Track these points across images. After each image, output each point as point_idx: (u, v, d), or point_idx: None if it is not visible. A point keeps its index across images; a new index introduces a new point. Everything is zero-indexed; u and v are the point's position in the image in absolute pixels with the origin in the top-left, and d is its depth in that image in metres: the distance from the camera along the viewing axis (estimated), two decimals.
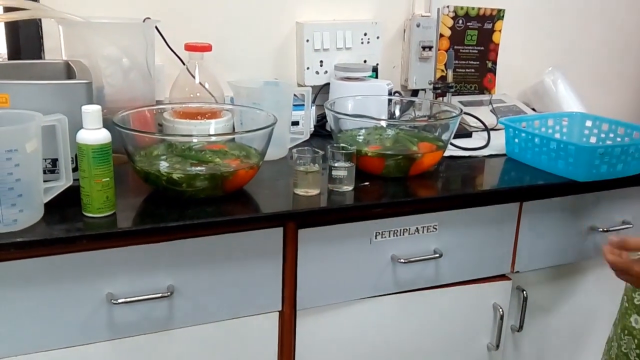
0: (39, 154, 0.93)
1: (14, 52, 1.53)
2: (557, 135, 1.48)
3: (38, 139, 0.92)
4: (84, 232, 0.94)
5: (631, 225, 1.42)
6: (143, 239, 0.99)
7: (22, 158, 0.89)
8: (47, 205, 0.98)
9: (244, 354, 1.14)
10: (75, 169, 1.00)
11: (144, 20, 1.40)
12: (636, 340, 1.03)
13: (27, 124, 0.90)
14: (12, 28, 1.46)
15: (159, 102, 1.43)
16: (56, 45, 1.43)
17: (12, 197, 0.90)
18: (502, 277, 1.34)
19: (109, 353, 1.03)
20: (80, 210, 0.99)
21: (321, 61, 1.63)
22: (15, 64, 1.29)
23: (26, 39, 1.51)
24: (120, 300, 0.99)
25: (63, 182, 0.99)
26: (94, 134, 0.95)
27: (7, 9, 1.31)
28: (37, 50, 1.51)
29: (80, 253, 0.96)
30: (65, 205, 0.99)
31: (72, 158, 0.99)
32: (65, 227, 0.95)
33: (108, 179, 0.97)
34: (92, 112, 0.95)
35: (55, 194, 0.98)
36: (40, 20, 1.45)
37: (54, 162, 0.99)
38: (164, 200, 1.08)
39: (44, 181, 0.97)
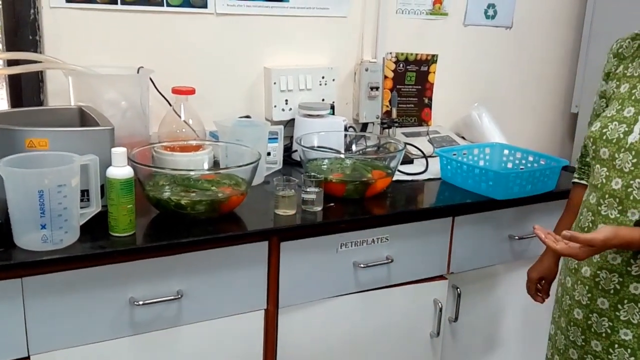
0: (78, 186, 1.16)
1: (16, 93, 1.71)
2: (482, 162, 1.76)
3: (78, 175, 1.15)
4: (115, 249, 1.17)
5: None
6: (159, 253, 1.22)
7: (68, 190, 1.12)
8: (81, 227, 1.19)
9: (237, 344, 1.37)
10: (101, 198, 1.23)
11: (138, 70, 1.62)
12: (580, 330, 1.17)
13: (72, 164, 1.13)
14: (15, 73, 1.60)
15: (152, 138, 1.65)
16: (59, 89, 1.63)
17: (61, 222, 1.12)
18: (440, 277, 1.60)
19: (132, 346, 1.25)
20: (106, 230, 1.21)
21: (286, 100, 1.87)
22: (33, 110, 1.47)
23: (27, 81, 1.69)
24: (140, 303, 1.22)
25: (94, 208, 1.21)
26: (121, 170, 1.19)
27: (20, 61, 1.50)
28: (37, 92, 1.70)
29: (110, 265, 1.18)
30: (93, 227, 1.21)
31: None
32: (98, 244, 1.17)
33: (131, 205, 1.21)
34: (120, 153, 1.19)
35: (88, 218, 1.20)
36: None
37: (83, 192, 1.21)
38: (169, 220, 1.30)
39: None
